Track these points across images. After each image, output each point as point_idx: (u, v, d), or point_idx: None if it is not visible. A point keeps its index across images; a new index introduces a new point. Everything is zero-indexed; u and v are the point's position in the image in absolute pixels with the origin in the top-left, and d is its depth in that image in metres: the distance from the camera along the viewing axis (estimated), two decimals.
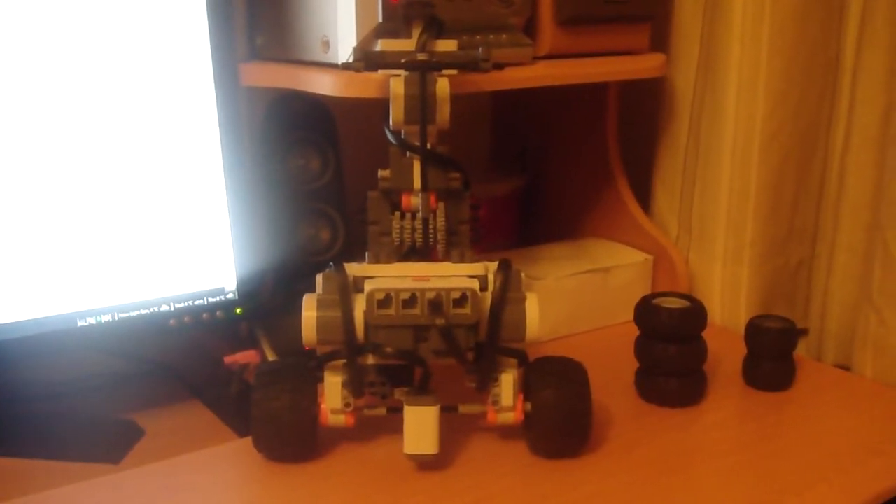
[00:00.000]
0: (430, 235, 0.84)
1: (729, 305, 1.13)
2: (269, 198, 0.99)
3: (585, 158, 1.23)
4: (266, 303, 0.98)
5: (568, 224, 1.28)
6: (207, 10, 0.90)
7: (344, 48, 0.89)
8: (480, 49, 0.83)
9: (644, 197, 1.22)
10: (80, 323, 0.88)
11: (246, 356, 0.97)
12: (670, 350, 0.91)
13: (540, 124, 1.30)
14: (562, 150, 1.27)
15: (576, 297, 1.10)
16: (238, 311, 0.96)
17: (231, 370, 0.97)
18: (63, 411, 0.95)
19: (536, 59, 1.00)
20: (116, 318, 0.89)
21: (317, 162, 1.02)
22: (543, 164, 1.30)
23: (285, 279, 0.98)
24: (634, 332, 0.95)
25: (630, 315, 0.95)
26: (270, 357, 0.97)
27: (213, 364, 1.00)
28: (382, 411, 0.83)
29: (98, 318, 0.88)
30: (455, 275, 0.80)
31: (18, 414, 0.93)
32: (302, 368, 0.82)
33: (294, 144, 1.01)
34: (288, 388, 0.80)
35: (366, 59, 0.82)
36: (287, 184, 1.00)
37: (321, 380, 0.81)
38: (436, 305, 0.75)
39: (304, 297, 0.79)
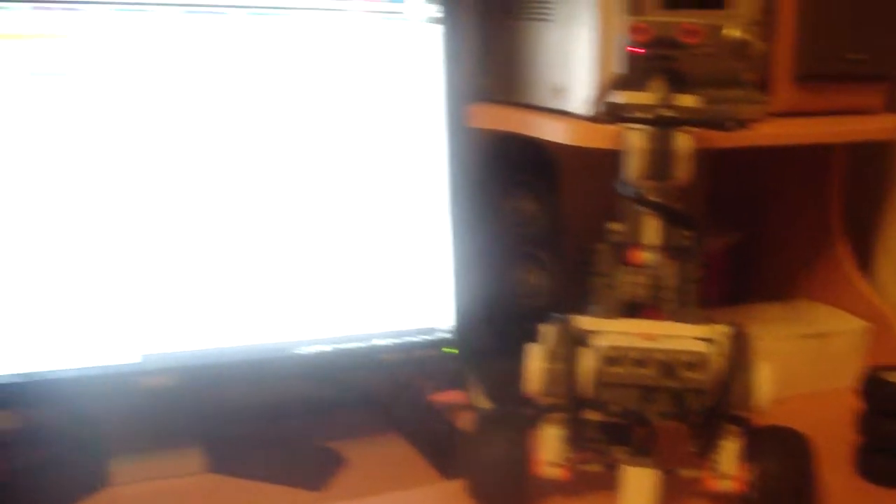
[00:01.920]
0: (656, 292, 0.82)
1: None
2: (486, 239, 0.99)
3: (805, 218, 1.19)
4: (477, 344, 0.98)
5: (780, 283, 1.24)
6: (444, 54, 0.91)
7: (577, 96, 0.88)
8: (725, 107, 0.81)
9: (862, 262, 1.17)
10: (297, 351, 0.90)
11: (453, 396, 0.98)
12: None
13: (759, 179, 1.27)
14: (780, 206, 1.23)
15: (788, 360, 1.06)
16: (450, 350, 0.96)
17: (437, 409, 0.97)
18: (271, 435, 0.98)
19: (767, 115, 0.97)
20: (332, 350, 0.91)
21: (534, 206, 1.02)
22: (760, 219, 1.27)
23: (497, 321, 0.98)
24: (846, 400, 0.90)
25: (841, 382, 0.91)
26: (477, 398, 0.97)
27: (419, 401, 1.01)
28: (598, 467, 0.81)
29: (316, 348, 0.90)
30: (684, 335, 0.78)
31: (230, 434, 0.96)
32: (521, 418, 0.81)
33: (514, 187, 1.01)
34: (508, 438, 0.80)
35: (610, 111, 0.81)
36: (504, 226, 1.00)
37: (537, 428, 0.80)
38: (667, 367, 0.74)
39: (530, 347, 0.79)
